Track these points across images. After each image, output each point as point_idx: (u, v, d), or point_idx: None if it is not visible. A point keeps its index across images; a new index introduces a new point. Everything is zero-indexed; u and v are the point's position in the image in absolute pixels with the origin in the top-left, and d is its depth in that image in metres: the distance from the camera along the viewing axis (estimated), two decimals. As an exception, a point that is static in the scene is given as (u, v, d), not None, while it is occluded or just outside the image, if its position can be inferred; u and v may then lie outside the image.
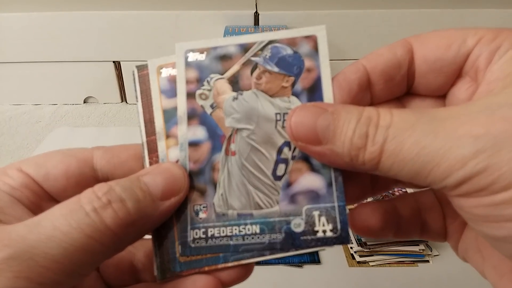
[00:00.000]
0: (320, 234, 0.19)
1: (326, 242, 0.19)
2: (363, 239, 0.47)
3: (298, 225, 0.20)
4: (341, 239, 0.19)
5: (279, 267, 0.46)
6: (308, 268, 0.46)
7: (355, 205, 0.23)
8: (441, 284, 0.45)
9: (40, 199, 0.20)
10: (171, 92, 0.21)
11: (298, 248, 0.20)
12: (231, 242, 0.20)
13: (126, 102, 0.81)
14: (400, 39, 0.20)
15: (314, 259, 0.47)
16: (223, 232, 0.20)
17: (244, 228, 0.20)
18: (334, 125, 0.17)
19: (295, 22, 0.74)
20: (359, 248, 0.47)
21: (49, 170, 0.20)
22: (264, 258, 0.20)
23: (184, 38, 0.76)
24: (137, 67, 0.22)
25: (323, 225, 0.19)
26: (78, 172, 0.21)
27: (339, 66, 0.76)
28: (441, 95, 0.21)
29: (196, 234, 0.20)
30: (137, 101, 0.22)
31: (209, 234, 0.20)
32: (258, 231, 0.20)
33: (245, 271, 0.20)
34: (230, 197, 0.20)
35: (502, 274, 0.19)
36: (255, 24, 0.75)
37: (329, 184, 0.20)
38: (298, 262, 0.47)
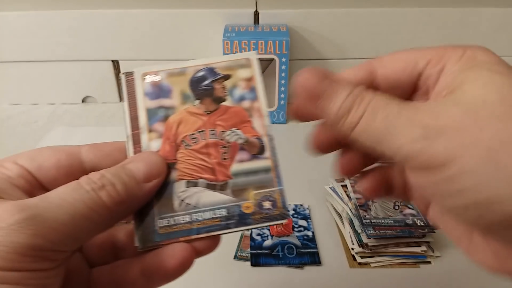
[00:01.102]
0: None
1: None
2: (364, 241, 0.46)
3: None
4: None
5: (279, 268, 0.46)
6: (309, 269, 0.46)
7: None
8: (443, 286, 0.45)
9: (34, 188, 0.23)
10: (153, 95, 0.26)
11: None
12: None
13: (125, 101, 0.81)
14: (364, 62, 0.25)
15: (315, 260, 0.47)
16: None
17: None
18: (329, 91, 0.22)
19: (295, 21, 0.73)
20: (360, 249, 0.46)
21: (42, 163, 0.23)
22: (228, 231, 0.24)
23: (183, 37, 0.75)
24: (125, 73, 0.26)
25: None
26: (68, 164, 0.24)
27: (339, 65, 0.76)
28: None
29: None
30: (123, 101, 0.26)
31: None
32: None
33: (214, 242, 0.24)
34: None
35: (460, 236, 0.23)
36: (255, 23, 0.74)
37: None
38: (299, 263, 0.46)
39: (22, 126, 0.75)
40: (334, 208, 0.54)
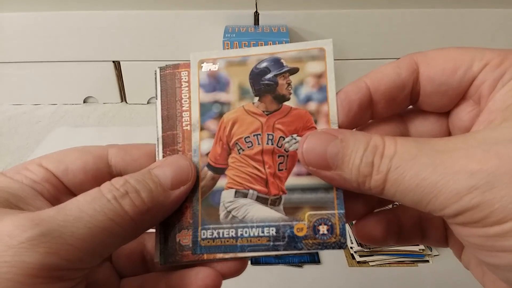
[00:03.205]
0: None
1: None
2: (363, 239, 0.46)
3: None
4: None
5: (279, 267, 0.46)
6: (308, 268, 0.46)
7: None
8: (441, 284, 0.45)
9: (60, 192, 0.22)
10: (209, 87, 0.22)
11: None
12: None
13: (126, 102, 0.81)
14: (406, 56, 0.21)
15: (314, 259, 0.47)
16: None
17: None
18: (342, 153, 0.18)
19: (295, 22, 0.73)
20: (359, 248, 0.47)
21: (68, 166, 0.22)
22: (275, 253, 0.21)
23: (183, 38, 0.75)
24: (160, 68, 0.23)
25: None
26: (95, 168, 0.22)
27: (339, 66, 0.76)
28: (444, 112, 0.22)
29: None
30: (156, 98, 0.23)
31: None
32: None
33: (242, 265, 0.22)
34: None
35: None
36: (255, 24, 0.74)
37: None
38: (298, 262, 0.47)
39: (24, 127, 0.75)
40: (334, 208, 0.54)
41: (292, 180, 0.22)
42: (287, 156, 0.22)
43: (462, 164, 0.16)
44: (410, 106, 0.23)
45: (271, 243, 0.21)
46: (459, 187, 0.16)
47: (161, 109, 0.23)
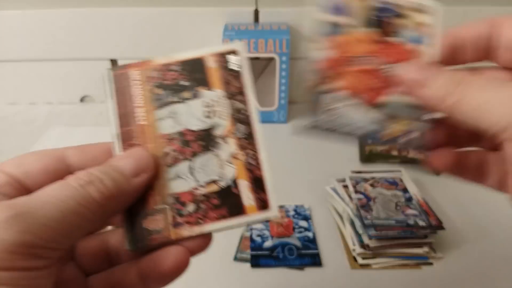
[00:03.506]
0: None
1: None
2: (365, 242, 0.46)
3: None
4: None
5: (279, 269, 0.45)
6: (310, 271, 0.46)
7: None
8: (445, 287, 0.44)
9: (22, 195, 0.22)
10: (331, 10, 0.26)
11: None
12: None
13: (124, 101, 0.80)
14: (488, 17, 0.25)
15: (316, 261, 0.46)
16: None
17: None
18: (432, 76, 0.23)
19: (296, 19, 0.73)
20: (362, 250, 0.46)
21: (28, 169, 0.23)
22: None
23: (182, 36, 0.74)
24: (111, 68, 0.25)
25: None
26: (54, 168, 0.24)
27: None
28: None
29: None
30: (109, 99, 0.25)
31: None
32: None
33: (205, 241, 0.23)
34: None
35: None
36: (255, 22, 0.74)
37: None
38: (299, 264, 0.46)
39: (19, 126, 0.74)
40: (335, 209, 0.53)
41: (391, 98, 0.26)
42: (387, 79, 0.26)
43: None
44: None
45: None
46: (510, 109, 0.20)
47: (117, 107, 0.25)
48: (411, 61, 0.25)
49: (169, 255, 0.23)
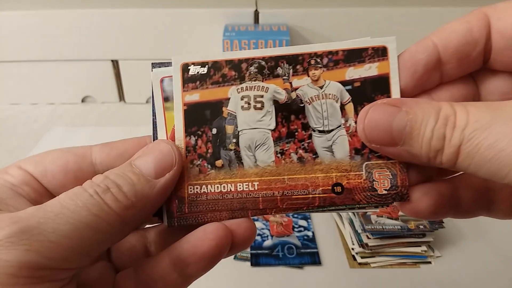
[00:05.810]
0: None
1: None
2: (364, 241, 0.46)
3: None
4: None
5: (279, 268, 0.46)
6: (309, 270, 0.46)
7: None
8: (444, 286, 0.44)
9: (40, 195, 0.20)
10: None
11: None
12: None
13: (125, 101, 0.81)
14: (474, 10, 0.19)
15: (315, 260, 0.47)
16: None
17: None
18: (410, 127, 0.17)
19: (295, 20, 0.73)
20: (361, 249, 0.46)
21: (47, 167, 0.21)
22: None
23: (183, 37, 0.75)
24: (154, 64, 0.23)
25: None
26: (76, 168, 0.21)
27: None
28: None
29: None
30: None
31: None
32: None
33: (250, 226, 0.20)
34: None
35: None
36: (255, 23, 0.74)
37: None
38: (299, 263, 0.46)
39: (21, 126, 0.75)
40: (334, 208, 0.53)
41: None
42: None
43: None
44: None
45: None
46: None
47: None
48: (369, 105, 0.19)
49: (207, 232, 0.19)
